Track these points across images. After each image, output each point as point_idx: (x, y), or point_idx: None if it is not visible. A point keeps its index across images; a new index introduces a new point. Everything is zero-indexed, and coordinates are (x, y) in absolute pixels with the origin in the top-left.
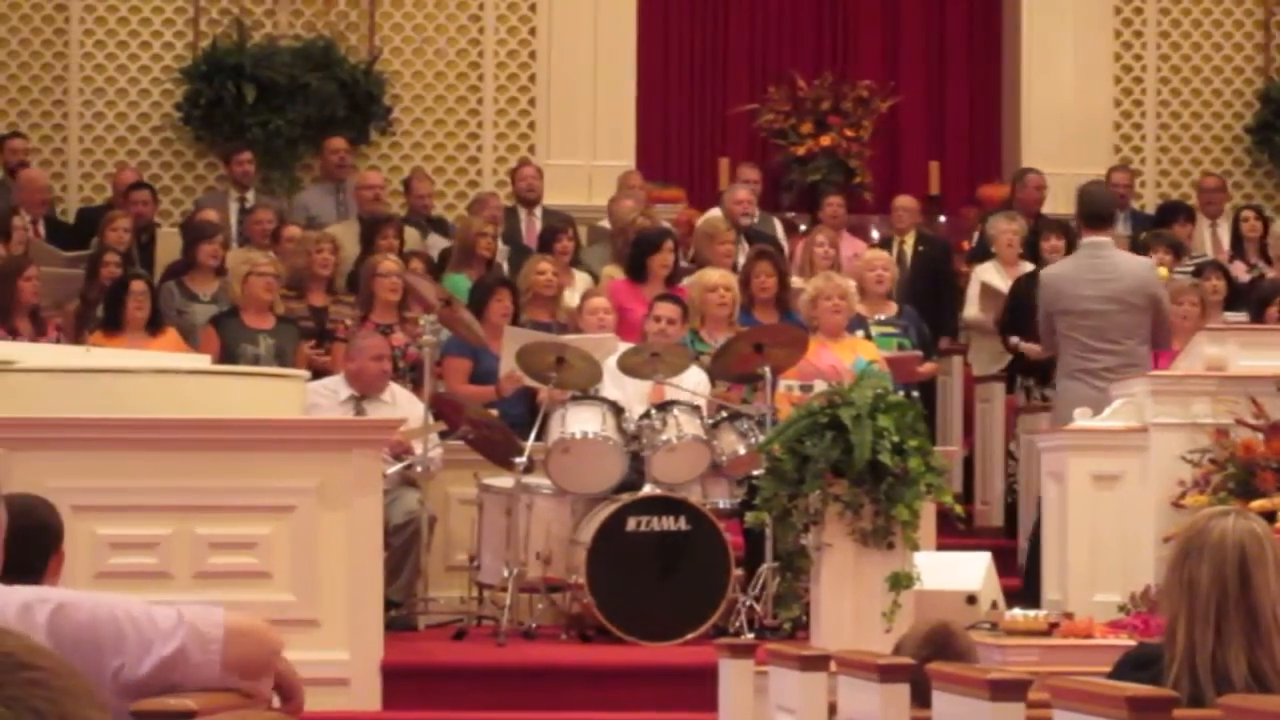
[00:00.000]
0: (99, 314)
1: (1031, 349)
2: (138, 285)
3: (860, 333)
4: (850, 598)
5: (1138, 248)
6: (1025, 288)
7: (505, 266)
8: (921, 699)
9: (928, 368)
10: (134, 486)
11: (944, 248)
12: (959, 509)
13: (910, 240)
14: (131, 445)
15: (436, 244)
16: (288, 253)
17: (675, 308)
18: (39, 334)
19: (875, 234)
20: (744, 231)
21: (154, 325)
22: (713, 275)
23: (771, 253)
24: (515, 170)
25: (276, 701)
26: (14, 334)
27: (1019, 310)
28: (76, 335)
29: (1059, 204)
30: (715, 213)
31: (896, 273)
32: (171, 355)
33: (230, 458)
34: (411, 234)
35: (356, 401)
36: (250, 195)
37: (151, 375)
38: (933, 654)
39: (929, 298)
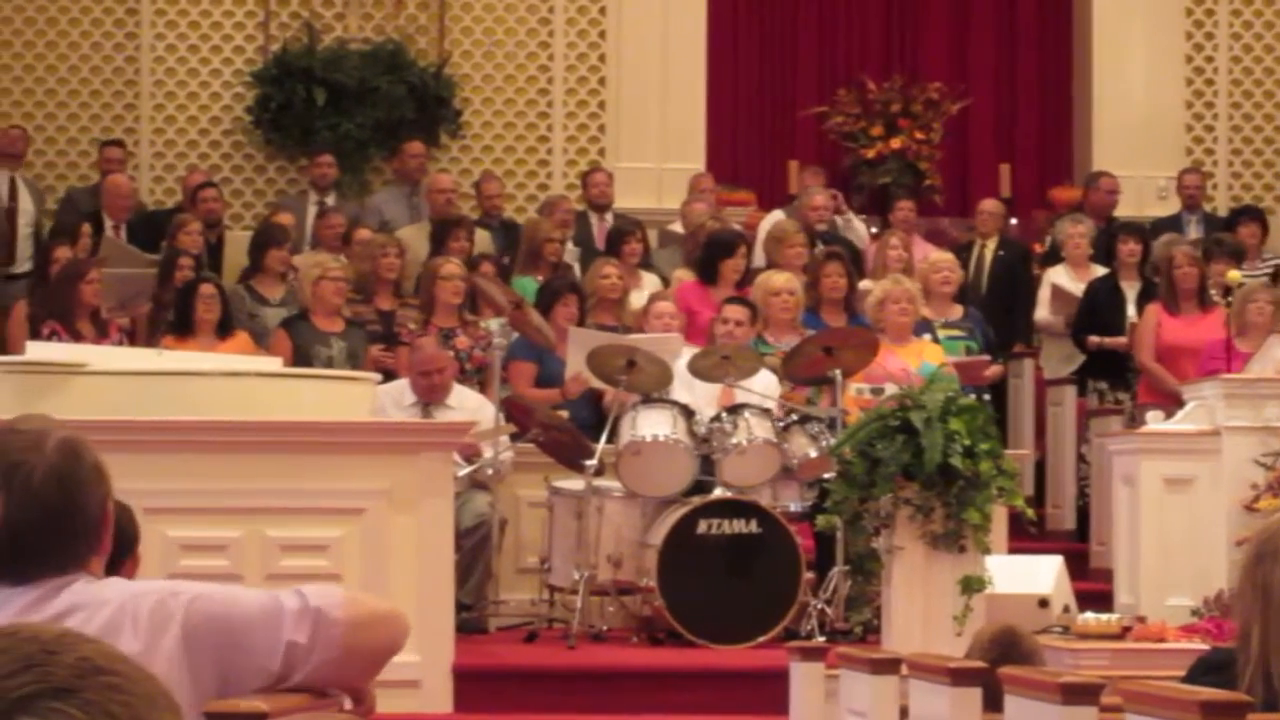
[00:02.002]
0: (170, 317)
1: (1115, 343)
2: (207, 289)
3: (927, 336)
4: (921, 601)
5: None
6: (1098, 290)
7: (577, 269)
8: (993, 703)
9: (993, 371)
10: (205, 489)
11: (1024, 252)
12: (1030, 512)
13: (992, 244)
14: (202, 447)
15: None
16: (356, 256)
17: (744, 310)
18: (101, 336)
19: (954, 237)
20: (821, 236)
21: (224, 328)
22: (777, 279)
23: (841, 253)
24: (586, 176)
25: (348, 704)
26: (76, 336)
27: (1093, 312)
28: (149, 338)
29: (1130, 207)
30: (778, 214)
31: (962, 275)
32: (242, 358)
33: (300, 460)
34: (482, 236)
35: (423, 407)
36: (330, 198)
37: (222, 378)
38: (999, 657)
39: (1004, 300)
